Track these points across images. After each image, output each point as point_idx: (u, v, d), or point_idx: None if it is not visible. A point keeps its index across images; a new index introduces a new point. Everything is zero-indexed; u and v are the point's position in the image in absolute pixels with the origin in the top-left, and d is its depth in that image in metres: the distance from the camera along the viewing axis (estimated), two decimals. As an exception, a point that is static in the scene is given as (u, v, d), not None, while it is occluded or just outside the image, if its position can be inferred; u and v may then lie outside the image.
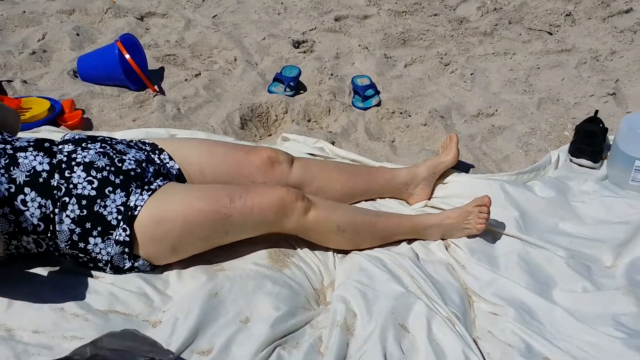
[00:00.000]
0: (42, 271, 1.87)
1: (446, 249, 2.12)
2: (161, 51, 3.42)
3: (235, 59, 3.36)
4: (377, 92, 3.05)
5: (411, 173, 2.34)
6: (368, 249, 2.05)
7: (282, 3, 4.13)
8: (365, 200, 2.30)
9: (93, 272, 1.88)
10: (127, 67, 2.92)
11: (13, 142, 1.86)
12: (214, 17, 3.90)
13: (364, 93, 2.99)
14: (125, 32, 3.32)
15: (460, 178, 2.43)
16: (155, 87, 3.00)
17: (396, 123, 2.84)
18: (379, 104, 2.97)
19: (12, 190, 1.72)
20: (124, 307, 1.77)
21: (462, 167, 2.53)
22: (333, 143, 2.62)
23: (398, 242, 2.10)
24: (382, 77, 3.26)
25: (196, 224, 1.83)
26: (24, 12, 3.80)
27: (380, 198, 2.33)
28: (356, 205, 2.24)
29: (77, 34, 3.52)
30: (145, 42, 3.45)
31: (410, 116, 2.89)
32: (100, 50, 3.07)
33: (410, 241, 2.12)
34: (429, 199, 2.36)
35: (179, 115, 2.81)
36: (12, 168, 1.75)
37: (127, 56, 2.88)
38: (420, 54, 3.52)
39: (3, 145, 1.83)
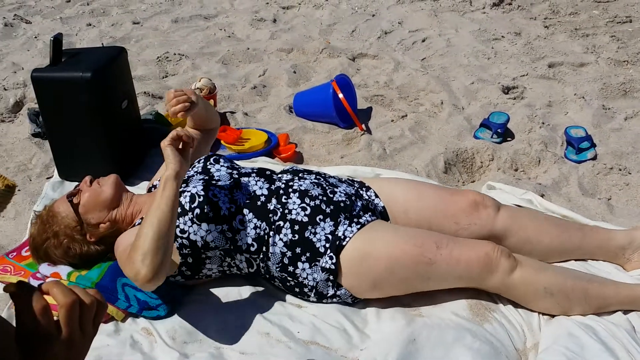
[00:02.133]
0: (251, 295, 2.00)
1: (666, 323, 1.91)
2: (370, 91, 3.53)
3: (442, 102, 3.36)
4: (593, 145, 2.86)
5: (630, 236, 2.14)
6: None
7: (492, 48, 4.07)
8: (576, 260, 2.15)
9: (298, 302, 1.97)
10: (339, 106, 3.05)
11: (239, 169, 2.06)
12: (422, 59, 3.96)
13: (579, 145, 2.82)
14: (340, 73, 3.48)
15: (687, 247, 2.17)
16: (363, 126, 3.10)
17: (614, 180, 2.64)
18: (594, 158, 2.79)
19: (233, 210, 1.89)
20: (325, 340, 1.82)
21: (689, 235, 2.27)
22: (542, 196, 2.49)
23: (612, 311, 1.93)
24: (599, 129, 3.06)
25: (400, 264, 1.84)
26: (248, 48, 4.16)
27: (593, 260, 2.16)
28: (566, 265, 2.10)
29: (294, 72, 3.77)
30: (355, 81, 3.59)
31: (630, 174, 2.67)
32: (316, 89, 3.24)
33: (626, 311, 1.93)
34: (649, 267, 2.14)
35: (384, 155, 2.87)
36: (235, 190, 1.93)
37: (341, 95, 3.01)
38: (643, 107, 3.25)
39: (230, 171, 2.03)
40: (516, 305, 1.93)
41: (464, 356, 1.73)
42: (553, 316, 1.91)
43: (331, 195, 1.96)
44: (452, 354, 1.75)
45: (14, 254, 2.18)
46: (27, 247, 2.19)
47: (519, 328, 1.88)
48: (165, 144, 1.78)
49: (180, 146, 1.80)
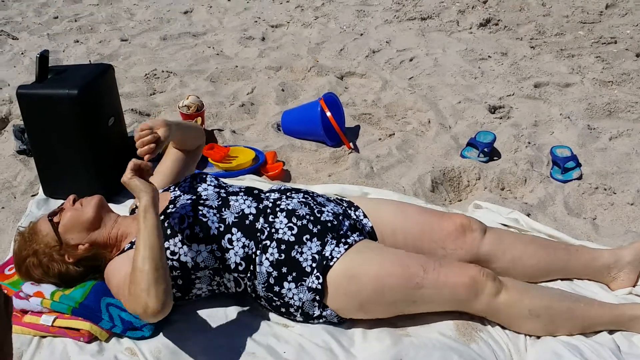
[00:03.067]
0: (238, 315, 1.98)
1: (652, 343, 1.91)
2: (358, 110, 3.55)
3: (429, 121, 3.38)
4: (579, 165, 2.88)
5: (615, 256, 2.15)
6: (563, 335, 1.91)
7: (479, 67, 4.11)
8: (562, 280, 2.15)
9: (284, 321, 1.95)
10: (326, 124, 3.06)
11: (227, 188, 2.06)
12: (410, 78, 3.98)
13: (564, 165, 2.84)
14: (328, 91, 3.49)
15: (672, 266, 2.18)
16: (351, 144, 3.10)
17: (599, 200, 2.65)
18: (580, 178, 2.81)
19: (222, 229, 1.88)
20: (311, 360, 1.81)
21: (674, 254, 2.28)
22: (528, 215, 2.50)
23: (598, 331, 1.93)
24: (584, 148, 3.08)
25: (387, 288, 1.84)
26: (236, 66, 4.17)
27: (579, 279, 2.17)
28: (552, 285, 2.10)
29: (282, 90, 3.78)
30: (343, 100, 3.60)
31: (615, 193, 2.68)
32: (304, 107, 3.25)
33: (611, 331, 1.94)
34: (634, 286, 2.15)
35: (371, 173, 2.87)
36: (223, 209, 1.93)
37: (329, 114, 3.02)
38: (628, 127, 3.28)
39: (218, 190, 2.03)
40: (502, 326, 1.93)
41: (451, 376, 1.72)
42: (539, 336, 1.91)
43: (318, 215, 1.95)
44: (438, 374, 1.74)
45: (-3, 272, 2.15)
46: (11, 266, 2.16)
47: (505, 348, 1.87)
48: (127, 177, 1.79)
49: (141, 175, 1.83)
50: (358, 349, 1.87)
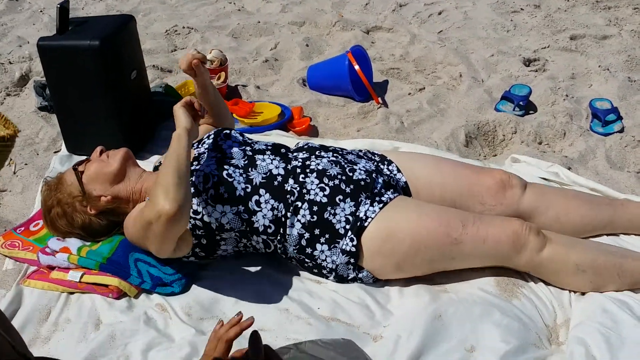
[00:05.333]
0: (269, 270, 1.92)
1: (703, 300, 1.81)
2: (385, 64, 3.42)
3: (461, 75, 3.25)
4: (620, 118, 2.75)
5: (661, 210, 2.05)
6: (610, 291, 1.82)
7: (511, 20, 3.94)
8: (607, 235, 2.05)
9: (317, 278, 1.89)
10: (354, 78, 2.94)
11: (253, 145, 1.95)
12: (439, 32, 3.83)
13: (605, 117, 2.71)
14: (355, 44, 3.36)
15: None
16: (380, 99, 2.99)
17: (643, 153, 2.53)
18: (621, 131, 2.68)
19: (248, 190, 1.79)
20: (346, 317, 1.74)
21: None
22: (569, 169, 2.39)
23: (646, 287, 1.84)
24: (625, 101, 2.94)
25: (424, 244, 1.76)
26: (259, 22, 4.05)
27: (625, 234, 2.07)
28: (598, 240, 2.00)
29: (307, 45, 3.65)
30: (370, 55, 3.45)
31: (659, 146, 2.56)
32: (331, 60, 3.13)
33: (661, 287, 1.85)
34: (682, 241, 2.04)
35: (402, 128, 2.77)
36: (250, 169, 1.83)
37: (357, 67, 2.90)
38: (671, 79, 3.13)
39: (244, 147, 1.92)
40: (546, 281, 1.84)
41: (492, 332, 1.65)
42: (584, 293, 1.83)
43: (350, 174, 1.86)
44: (479, 330, 1.67)
45: (22, 228, 2.11)
46: (36, 222, 2.12)
47: (549, 304, 1.80)
48: (177, 105, 1.80)
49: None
50: (394, 305, 1.80)
